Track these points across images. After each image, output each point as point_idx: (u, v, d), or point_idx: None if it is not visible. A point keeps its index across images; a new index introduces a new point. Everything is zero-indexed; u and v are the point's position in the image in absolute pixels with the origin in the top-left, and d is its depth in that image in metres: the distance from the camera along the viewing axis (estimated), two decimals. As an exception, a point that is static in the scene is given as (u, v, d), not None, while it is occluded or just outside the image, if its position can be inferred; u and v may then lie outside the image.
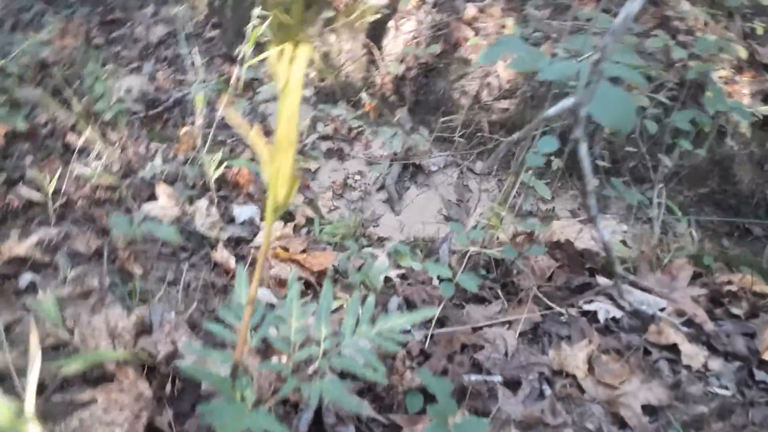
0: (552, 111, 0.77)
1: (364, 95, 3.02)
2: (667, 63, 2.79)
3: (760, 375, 1.11)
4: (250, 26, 2.02)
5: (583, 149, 0.76)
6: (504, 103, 2.83)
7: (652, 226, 1.62)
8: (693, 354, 1.12)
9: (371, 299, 0.83)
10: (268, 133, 3.24)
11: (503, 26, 2.72)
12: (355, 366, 0.78)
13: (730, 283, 1.39)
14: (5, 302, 1.19)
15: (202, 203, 1.71)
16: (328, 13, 3.13)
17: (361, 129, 3.07)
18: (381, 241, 1.94)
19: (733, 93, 2.77)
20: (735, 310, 1.30)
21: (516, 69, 1.51)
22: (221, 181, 1.85)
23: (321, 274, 1.50)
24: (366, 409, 0.90)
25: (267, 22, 2.03)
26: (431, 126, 3.13)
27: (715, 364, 1.13)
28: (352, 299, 0.84)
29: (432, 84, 3.04)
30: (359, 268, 1.34)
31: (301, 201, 1.89)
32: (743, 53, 2.71)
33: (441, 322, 1.23)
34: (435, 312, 1.12)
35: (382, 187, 3.01)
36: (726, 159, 2.79)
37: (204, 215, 1.68)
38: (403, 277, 1.48)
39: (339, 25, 3.19)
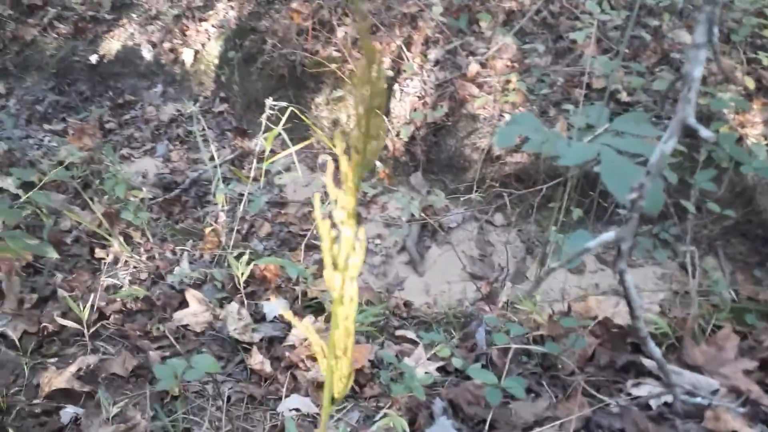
0: (593, 244, 0.76)
1: (377, 163, 3.05)
2: (675, 101, 2.80)
3: (829, 457, 1.07)
4: (264, 117, 2.06)
5: (629, 280, 0.75)
6: (516, 156, 2.84)
7: (689, 295, 1.59)
8: (756, 443, 1.09)
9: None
10: (282, 204, 3.27)
11: (508, 81, 2.75)
12: None
13: (778, 346, 1.35)
14: (52, 449, 1.19)
15: (233, 306, 1.72)
16: (339, 92, 3.18)
17: (377, 194, 3.09)
18: (414, 320, 1.93)
19: (744, 122, 2.76)
20: (789, 380, 1.26)
21: (532, 150, 1.52)
22: (249, 278, 1.85)
23: (358, 372, 1.49)
24: None
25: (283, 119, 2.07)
26: (446, 184, 3.14)
27: (780, 448, 1.09)
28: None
29: (442, 142, 3.07)
30: (399, 373, 1.33)
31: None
32: (751, 83, 2.71)
33: (490, 425, 1.20)
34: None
35: (403, 249, 3.01)
36: (747, 189, 2.76)
37: (236, 319, 1.68)
38: (443, 370, 1.46)
39: (346, 91, 3.24)
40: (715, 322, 1.48)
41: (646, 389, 1.25)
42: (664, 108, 2.56)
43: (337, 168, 0.43)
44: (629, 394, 1.25)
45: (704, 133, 0.64)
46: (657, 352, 0.82)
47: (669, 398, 1.22)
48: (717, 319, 1.47)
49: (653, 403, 1.21)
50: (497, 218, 3.12)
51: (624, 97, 2.74)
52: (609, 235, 0.73)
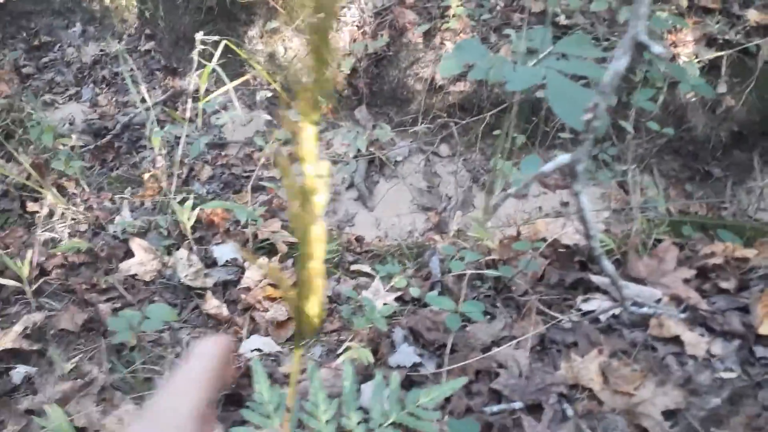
0: (550, 167, 0.76)
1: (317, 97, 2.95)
2: (612, 22, 2.82)
3: (759, 351, 1.16)
4: (195, 54, 1.94)
5: (584, 200, 0.76)
6: (459, 85, 2.82)
7: (630, 214, 1.65)
8: (695, 342, 1.17)
9: (396, 378, 0.82)
10: (222, 145, 3.15)
11: (448, 7, 2.68)
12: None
13: (713, 255, 1.43)
14: (7, 411, 1.15)
15: (182, 253, 1.67)
16: (274, 24, 3.02)
17: (320, 130, 3.01)
18: (367, 254, 1.93)
19: (677, 41, 2.82)
20: (724, 284, 1.35)
21: (478, 78, 1.50)
22: (195, 223, 1.80)
23: (319, 308, 1.49)
24: None
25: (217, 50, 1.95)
26: (391, 116, 3.10)
27: (717, 347, 1.17)
28: (377, 379, 0.84)
29: (385, 74, 3.00)
30: (359, 306, 1.34)
31: (279, 226, 1.86)
32: (684, 1, 2.75)
33: (451, 349, 1.24)
34: (462, 383, 1.12)
35: (351, 186, 2.99)
36: (680, 108, 2.85)
37: (186, 266, 1.64)
38: (400, 299, 1.48)
39: (281, 24, 3.09)
40: (655, 236, 1.55)
41: (595, 304, 1.31)
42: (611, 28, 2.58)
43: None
44: (579, 310, 1.31)
45: (656, 49, 0.63)
46: (611, 268, 0.85)
47: (616, 311, 1.29)
48: (656, 233, 1.54)
49: (602, 316, 1.27)
50: (443, 149, 3.12)
51: (563, 20, 2.74)
52: (564, 157, 0.74)
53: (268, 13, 3.14)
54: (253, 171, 2.97)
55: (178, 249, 1.72)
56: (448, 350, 1.18)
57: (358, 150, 2.94)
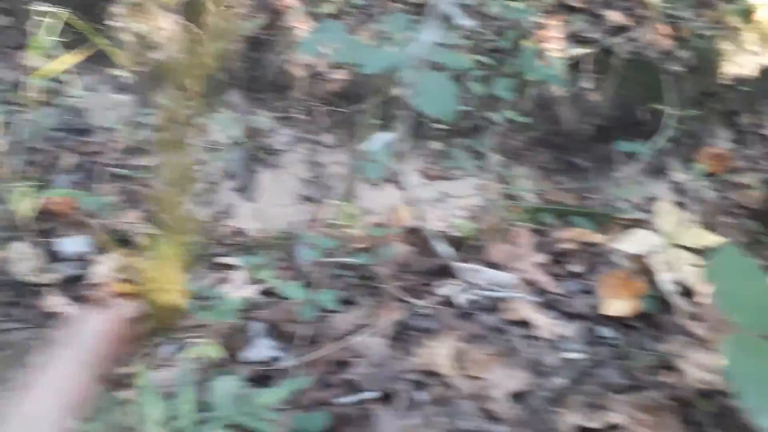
0: (377, 146, 0.74)
1: (188, 81, 2.79)
2: (483, 16, 2.90)
3: (602, 331, 1.22)
4: (29, 26, 1.74)
5: (407, 181, 0.75)
6: (341, 73, 2.78)
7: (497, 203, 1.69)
8: (544, 325, 1.21)
9: (234, 378, 0.77)
10: (86, 131, 2.90)
11: (326, -9, 2.63)
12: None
13: (566, 240, 1.50)
14: None
15: (20, 246, 1.50)
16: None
17: (194, 115, 2.86)
18: (239, 246, 1.85)
19: (546, 37, 2.96)
20: (573, 268, 1.41)
21: (338, 61, 1.46)
22: (41, 214, 1.62)
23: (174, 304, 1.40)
24: None
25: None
26: (271, 103, 3.00)
27: (564, 328, 1.22)
28: (222, 377, 0.77)
29: (264, 58, 2.89)
30: (208, 298, 1.26)
31: (137, 217, 1.73)
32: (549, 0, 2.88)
33: (309, 340, 1.20)
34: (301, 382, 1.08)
35: (230, 175, 2.86)
36: (549, 102, 3.00)
37: (23, 259, 1.47)
38: (268, 292, 1.42)
39: (150, 2, 2.89)
40: (518, 224, 1.60)
41: (454, 289, 1.32)
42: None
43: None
44: (438, 295, 1.32)
45: (459, 20, 0.62)
46: (445, 250, 0.84)
47: (473, 296, 1.31)
48: (517, 220, 1.59)
49: (459, 301, 1.28)
50: (327, 138, 3.07)
51: (441, 11, 2.77)
52: (387, 136, 0.72)
53: (134, -13, 2.92)
54: (120, 158, 2.76)
55: (17, 242, 1.55)
56: (297, 340, 1.14)
57: (237, 138, 2.82)
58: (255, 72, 3.02)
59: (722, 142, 3.01)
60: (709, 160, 2.83)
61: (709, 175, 2.79)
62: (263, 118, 2.76)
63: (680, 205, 2.75)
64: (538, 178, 3.04)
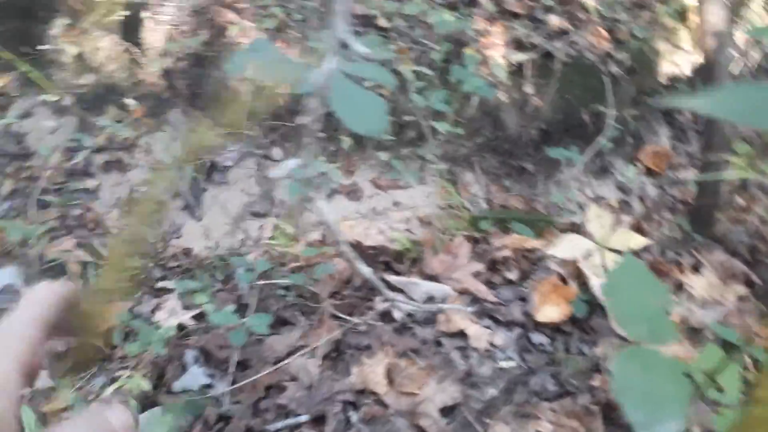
0: (281, 173, 0.73)
1: (130, 101, 2.74)
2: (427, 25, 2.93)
3: (536, 338, 1.24)
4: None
5: (321, 205, 0.75)
6: (285, 87, 2.76)
7: (453, 210, 1.70)
8: (478, 335, 1.22)
9: (168, 415, 0.74)
10: (26, 156, 2.81)
11: (265, 6, 2.61)
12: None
13: (504, 247, 1.52)
14: None
15: (-60, 283, 1.43)
16: (65, 20, 2.74)
17: (137, 135, 2.80)
18: (178, 269, 1.81)
19: (488, 44, 3.00)
20: (509, 275, 1.43)
21: (266, 79, 1.45)
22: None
23: (107, 334, 1.36)
24: None
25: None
26: (215, 120, 2.96)
27: (499, 338, 1.23)
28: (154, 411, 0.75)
29: (208, 74, 2.85)
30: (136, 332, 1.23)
31: (72, 245, 1.68)
32: (491, 7, 2.93)
33: (244, 365, 1.18)
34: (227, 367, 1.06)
35: (176, 195, 2.81)
36: (494, 108, 3.04)
37: (-54, 298, 1.41)
38: (199, 318, 1.39)
39: (86, 24, 2.82)
40: (458, 233, 1.61)
41: (393, 305, 1.32)
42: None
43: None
44: (377, 311, 1.31)
45: (358, 48, 0.62)
46: (366, 270, 0.84)
47: (412, 308, 1.31)
48: (458, 229, 1.60)
49: (397, 315, 1.28)
50: (275, 152, 3.04)
51: (383, 22, 2.79)
52: (294, 161, 0.71)
53: (69, 10, 2.85)
54: (59, 183, 2.68)
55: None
56: (233, 364, 1.12)
57: (181, 156, 2.76)
58: (200, 88, 2.98)
59: (663, 139, 3.10)
60: (650, 159, 2.91)
61: (651, 173, 2.87)
62: (208, 135, 2.72)
63: (625, 203, 2.82)
64: (485, 183, 3.08)
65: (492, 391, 1.09)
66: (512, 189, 3.20)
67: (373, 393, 1.09)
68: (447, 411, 1.06)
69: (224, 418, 1.03)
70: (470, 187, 3.16)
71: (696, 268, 1.44)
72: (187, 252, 2.24)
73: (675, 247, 1.61)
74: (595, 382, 1.11)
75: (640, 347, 0.60)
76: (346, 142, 2.53)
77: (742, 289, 1.34)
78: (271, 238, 1.82)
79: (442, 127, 2.20)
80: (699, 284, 1.35)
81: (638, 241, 1.32)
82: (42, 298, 0.33)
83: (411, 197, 3.03)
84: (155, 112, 2.90)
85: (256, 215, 2.88)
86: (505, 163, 3.20)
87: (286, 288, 1.44)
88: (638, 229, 1.68)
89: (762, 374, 0.40)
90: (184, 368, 1.21)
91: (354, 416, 1.04)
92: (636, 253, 1.52)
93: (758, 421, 0.41)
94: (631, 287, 0.65)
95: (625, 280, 0.65)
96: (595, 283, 1.29)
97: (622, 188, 2.99)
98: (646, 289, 0.64)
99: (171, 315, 1.37)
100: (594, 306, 1.28)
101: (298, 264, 1.44)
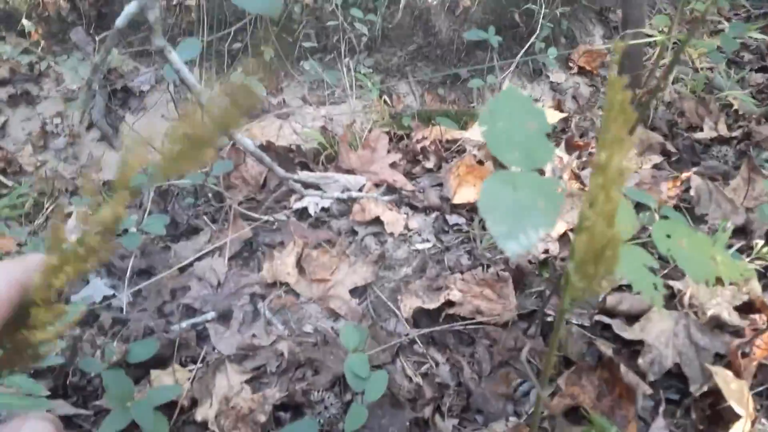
0: (120, 22, 0.65)
1: (27, 22, 2.50)
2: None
3: (452, 219, 1.21)
4: None
5: (174, 57, 0.67)
6: (196, -1, 2.56)
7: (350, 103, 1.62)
8: (394, 220, 1.18)
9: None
10: None
11: None
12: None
13: (424, 138, 1.47)
14: None
15: None
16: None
17: (41, 62, 2.58)
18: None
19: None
20: (428, 164, 1.39)
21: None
22: None
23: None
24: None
25: None
26: (127, 39, 2.75)
27: (416, 221, 1.20)
28: None
29: (110, -8, 2.62)
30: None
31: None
32: None
33: (148, 273, 1.12)
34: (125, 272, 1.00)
35: (92, 125, 2.64)
36: (424, 12, 2.93)
37: None
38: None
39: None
40: (377, 130, 1.54)
41: (307, 200, 1.27)
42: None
43: None
44: (292, 209, 1.26)
45: None
46: (277, 168, 0.77)
47: (327, 203, 1.26)
48: (375, 126, 1.53)
49: (311, 210, 1.23)
50: (195, 73, 2.87)
51: None
52: (132, 5, 0.62)
53: None
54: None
55: None
56: (128, 272, 1.06)
57: (90, 82, 2.58)
58: (107, 6, 2.75)
59: (596, 39, 3.05)
60: (584, 59, 2.87)
61: (584, 73, 2.84)
62: (118, 57, 2.53)
63: (559, 103, 2.78)
64: (420, 93, 3.01)
65: (405, 270, 1.06)
66: (447, 97, 3.13)
67: (284, 284, 1.05)
68: (359, 292, 1.03)
69: (120, 321, 0.97)
70: (404, 98, 3.08)
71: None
72: (107, 184, 2.12)
73: (594, 129, 1.59)
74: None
75: (510, 172, 0.56)
76: (268, 52, 2.40)
77: (657, 158, 1.34)
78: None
79: (361, 27, 2.09)
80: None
81: (556, 116, 1.29)
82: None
83: (343, 112, 2.93)
84: (60, 36, 2.68)
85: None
86: (438, 70, 3.11)
87: (195, 197, 1.36)
88: (558, 108, 1.65)
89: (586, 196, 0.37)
90: (87, 282, 1.13)
91: (262, 307, 1.00)
92: (554, 131, 1.50)
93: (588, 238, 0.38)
94: (509, 114, 0.60)
95: (503, 108, 0.61)
96: (512, 161, 1.26)
97: (555, 89, 2.96)
98: (525, 114, 0.60)
99: (72, 232, 1.28)
100: (511, 184, 1.26)
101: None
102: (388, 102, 2.18)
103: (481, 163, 1.28)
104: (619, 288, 1.00)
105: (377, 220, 1.18)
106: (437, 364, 0.89)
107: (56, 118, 2.70)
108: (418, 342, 0.93)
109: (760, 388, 0.87)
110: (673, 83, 1.72)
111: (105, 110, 2.66)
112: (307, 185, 1.30)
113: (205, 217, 1.25)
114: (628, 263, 0.71)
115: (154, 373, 0.86)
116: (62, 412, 0.84)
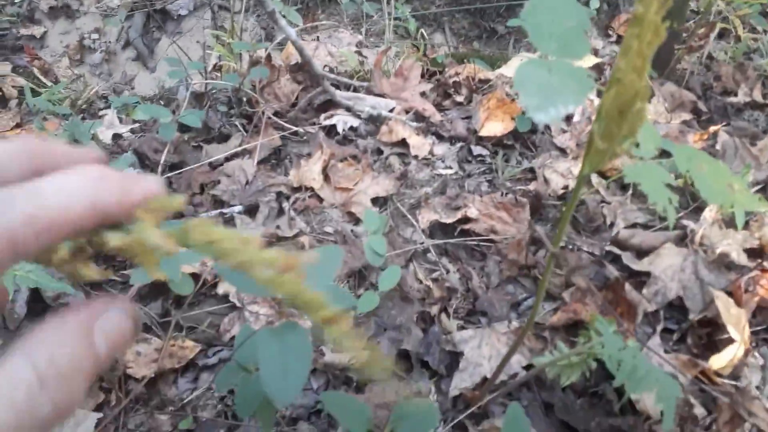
0: None
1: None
2: None
3: (477, 150, 1.23)
4: None
5: (281, 23, 0.69)
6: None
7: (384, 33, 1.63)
8: (420, 144, 1.21)
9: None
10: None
11: None
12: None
13: (457, 74, 1.48)
14: None
15: None
16: None
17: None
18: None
19: None
20: (459, 98, 1.40)
21: None
22: None
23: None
24: (61, 285, 0.81)
25: None
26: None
27: (440, 149, 1.23)
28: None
29: None
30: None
31: (9, 69, 1.59)
32: None
33: (179, 167, 1.16)
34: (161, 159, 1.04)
35: (128, 44, 2.67)
36: (468, -36, 2.88)
37: None
38: (138, 131, 1.35)
39: None
40: (411, 61, 1.55)
41: (336, 119, 1.29)
42: None
43: None
44: (321, 124, 1.29)
45: None
46: (317, 68, 0.80)
47: (355, 123, 1.28)
48: (408, 57, 1.54)
49: (339, 128, 1.26)
50: (232, 1, 2.88)
51: None
52: None
53: None
54: (6, 29, 2.52)
55: None
56: (162, 162, 1.10)
57: (133, 1, 2.60)
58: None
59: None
60: (623, 27, 2.81)
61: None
62: (159, -22, 2.55)
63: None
64: (455, 45, 2.98)
65: (426, 189, 1.10)
66: (482, 51, 3.11)
67: (309, 189, 1.08)
68: (380, 202, 1.06)
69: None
70: (439, 48, 3.06)
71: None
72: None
73: None
74: (529, 185, 1.12)
75: (545, 59, 0.59)
76: None
77: (687, 116, 1.34)
78: (217, 66, 1.75)
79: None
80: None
81: (591, 60, 1.29)
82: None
83: (378, 41, 2.92)
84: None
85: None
86: (476, 24, 3.08)
87: (229, 106, 1.40)
88: (594, 53, 1.65)
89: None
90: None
91: (286, 206, 1.04)
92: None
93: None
94: (550, 10, 0.62)
95: (546, 4, 0.63)
96: (542, 100, 1.27)
97: (595, 54, 2.91)
98: (566, 11, 0.62)
99: (108, 128, 1.33)
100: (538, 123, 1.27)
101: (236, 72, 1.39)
102: (425, 36, 2.18)
103: (512, 99, 1.30)
104: (633, 225, 1.03)
105: (403, 143, 1.21)
106: (448, 272, 0.93)
107: (94, 34, 2.74)
108: (432, 251, 0.96)
109: (758, 328, 0.90)
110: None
111: (142, 30, 2.69)
112: (347, 109, 1.33)
113: (237, 124, 1.29)
114: (647, 177, 0.73)
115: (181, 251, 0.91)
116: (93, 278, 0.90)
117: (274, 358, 0.39)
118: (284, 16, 1.50)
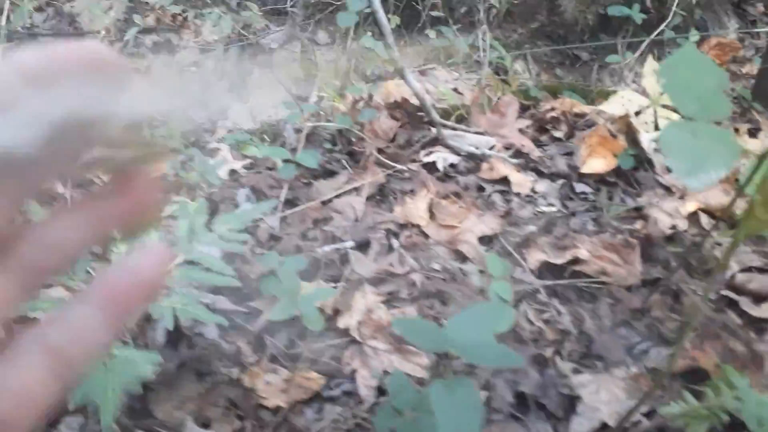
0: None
1: (179, -24, 2.72)
2: None
3: (579, 187, 1.24)
4: None
5: (409, 78, 0.75)
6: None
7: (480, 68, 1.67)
8: (521, 182, 1.23)
9: (201, 203, 0.80)
10: (79, 36, 2.86)
11: None
12: (202, 276, 0.78)
13: (553, 109, 1.49)
14: None
15: None
16: None
17: (185, 14, 2.80)
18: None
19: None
20: (557, 134, 1.42)
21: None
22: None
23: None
24: (217, 317, 0.87)
25: None
26: (262, -1, 2.92)
27: (542, 186, 1.24)
28: (185, 204, 0.81)
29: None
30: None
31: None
32: None
33: (292, 203, 1.23)
34: (277, 200, 1.11)
35: (222, 76, 2.84)
36: (551, -8, 2.89)
37: None
38: (250, 167, 1.44)
39: None
40: (507, 97, 1.58)
41: (436, 156, 1.34)
42: None
43: None
44: (421, 162, 1.33)
45: None
46: (435, 116, 0.85)
47: (455, 160, 1.32)
48: (504, 93, 1.57)
49: (440, 165, 1.30)
50: (321, 36, 3.01)
51: None
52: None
53: None
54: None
55: None
56: (282, 199, 1.18)
57: (228, 36, 2.77)
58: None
59: (730, 32, 2.89)
60: (713, 50, 2.72)
61: (714, 65, 2.70)
62: (254, 14, 2.71)
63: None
64: (537, 72, 2.98)
65: (531, 228, 1.11)
66: (564, 78, 3.09)
67: (415, 225, 1.13)
68: (486, 241, 1.09)
69: (275, 238, 1.09)
70: (521, 75, 3.07)
71: (753, 133, 1.40)
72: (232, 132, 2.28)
73: (732, 119, 1.54)
74: (636, 225, 1.11)
75: (689, 122, 0.60)
76: (394, 20, 2.47)
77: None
78: (319, 99, 1.84)
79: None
80: (754, 145, 1.31)
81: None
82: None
83: (471, 78, 2.97)
84: (203, -10, 2.88)
85: (300, 98, 2.89)
86: (558, 50, 3.07)
87: (333, 143, 1.47)
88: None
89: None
90: (236, 207, 1.27)
91: (396, 243, 1.09)
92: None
93: None
94: (688, 69, 0.63)
95: (682, 63, 0.64)
96: (645, 137, 1.27)
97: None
98: (704, 70, 0.63)
99: (225, 162, 1.43)
100: (641, 160, 1.27)
101: (342, 112, 1.46)
102: (517, 71, 2.20)
103: (614, 137, 1.30)
104: (749, 269, 1.00)
105: (504, 180, 1.24)
106: (559, 313, 0.94)
107: (192, 68, 2.93)
108: (542, 292, 0.98)
109: None
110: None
111: (236, 63, 2.86)
112: (439, 143, 1.37)
113: (342, 160, 1.35)
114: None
115: (303, 284, 0.97)
116: (221, 306, 0.97)
117: (449, 411, 0.43)
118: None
